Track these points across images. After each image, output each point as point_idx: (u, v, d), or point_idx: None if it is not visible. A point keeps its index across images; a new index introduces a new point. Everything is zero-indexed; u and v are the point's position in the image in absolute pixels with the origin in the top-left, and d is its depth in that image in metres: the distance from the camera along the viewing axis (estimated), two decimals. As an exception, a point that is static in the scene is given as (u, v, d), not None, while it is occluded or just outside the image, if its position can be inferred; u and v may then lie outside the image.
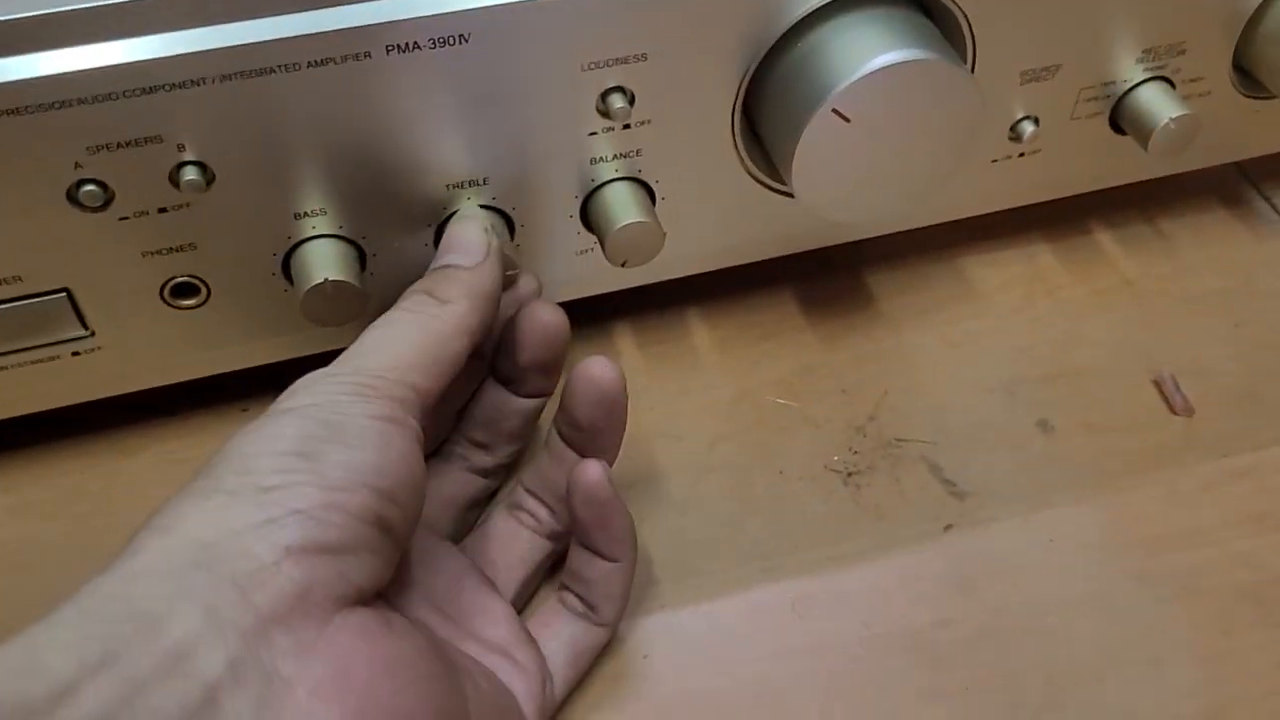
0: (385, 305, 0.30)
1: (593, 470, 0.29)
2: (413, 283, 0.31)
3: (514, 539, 0.33)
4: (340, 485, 0.24)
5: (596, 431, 0.31)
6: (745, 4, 0.31)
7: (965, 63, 0.35)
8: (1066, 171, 0.40)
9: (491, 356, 0.34)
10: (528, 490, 0.33)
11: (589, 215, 0.35)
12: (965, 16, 0.34)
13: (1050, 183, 0.40)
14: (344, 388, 0.26)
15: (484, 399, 0.34)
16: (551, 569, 0.33)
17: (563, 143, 0.33)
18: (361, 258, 0.33)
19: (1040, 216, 0.42)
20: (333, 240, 0.32)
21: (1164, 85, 0.38)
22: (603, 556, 0.30)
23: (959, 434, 0.37)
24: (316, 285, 0.31)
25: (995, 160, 0.38)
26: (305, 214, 0.32)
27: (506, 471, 0.35)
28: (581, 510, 0.30)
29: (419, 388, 0.27)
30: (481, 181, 0.33)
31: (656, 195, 0.35)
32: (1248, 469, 0.37)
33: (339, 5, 0.28)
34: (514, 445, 0.35)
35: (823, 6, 0.32)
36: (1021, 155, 0.39)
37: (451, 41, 0.29)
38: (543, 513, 0.33)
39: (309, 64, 0.29)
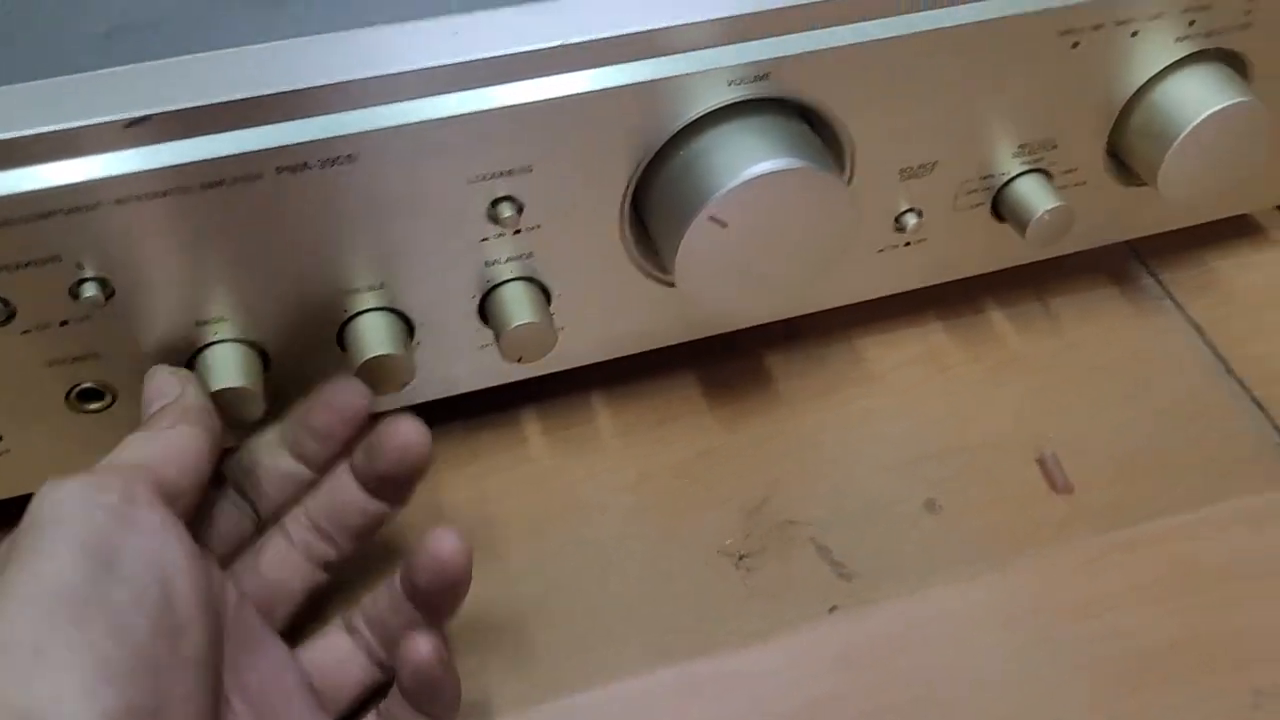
0: (287, 404, 0.31)
1: (422, 647, 0.30)
2: (316, 383, 0.33)
3: (350, 661, 0.33)
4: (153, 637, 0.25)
5: (436, 599, 0.32)
6: (625, 118, 0.33)
7: (845, 165, 0.37)
8: (953, 257, 0.42)
9: (349, 447, 0.34)
10: (366, 619, 0.33)
11: (485, 313, 0.36)
12: (843, 124, 0.36)
13: (938, 268, 0.42)
14: (84, 488, 0.27)
15: (335, 484, 0.34)
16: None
17: (455, 249, 0.34)
18: (265, 361, 0.34)
19: (936, 296, 0.44)
20: (234, 345, 0.34)
21: (1040, 177, 0.40)
22: (427, 715, 0.31)
23: (850, 514, 0.39)
24: (217, 391, 0.32)
25: (881, 250, 0.40)
26: (206, 321, 0.33)
27: (347, 569, 0.35)
28: (409, 682, 0.30)
29: (163, 477, 0.28)
30: (378, 286, 0.34)
31: (552, 293, 0.36)
32: (1128, 542, 0.38)
33: (228, 131, 0.30)
34: (355, 544, 0.34)
35: (705, 115, 0.34)
36: (907, 244, 0.40)
37: (339, 161, 0.31)
38: (377, 647, 0.33)
39: (202, 186, 0.30)
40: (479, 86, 0.31)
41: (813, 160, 0.34)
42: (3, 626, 0.24)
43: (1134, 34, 0.37)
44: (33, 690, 0.23)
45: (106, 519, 0.26)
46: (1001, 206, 0.40)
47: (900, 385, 0.43)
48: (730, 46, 0.33)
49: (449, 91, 0.31)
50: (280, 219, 0.31)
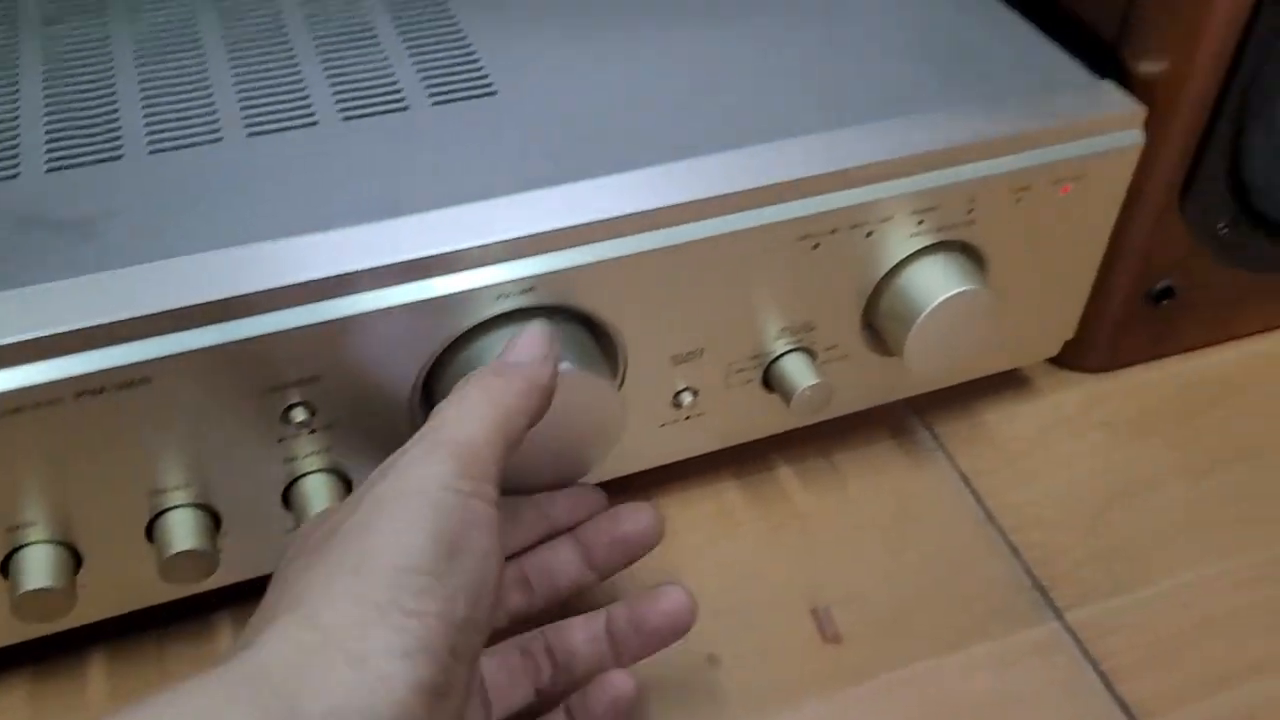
0: (100, 603, 0.34)
1: (627, 685, 0.36)
2: (129, 581, 0.36)
3: (517, 684, 0.37)
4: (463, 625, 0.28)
5: (653, 644, 0.37)
6: (403, 331, 0.37)
7: (618, 356, 0.41)
8: (733, 426, 0.46)
9: (574, 525, 0.39)
10: (547, 646, 0.37)
11: (290, 504, 0.39)
12: (610, 322, 0.40)
13: (721, 436, 0.46)
14: (446, 466, 0.30)
15: (557, 552, 0.39)
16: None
17: (255, 452, 0.37)
18: (76, 561, 0.37)
19: (730, 455, 0.48)
20: (45, 546, 0.36)
21: (803, 355, 0.44)
22: None
23: (635, 670, 0.42)
24: (27, 593, 0.35)
25: (664, 425, 0.44)
26: (16, 526, 0.36)
27: (522, 625, 0.39)
28: (605, 713, 0.35)
29: (498, 463, 0.31)
30: (184, 485, 0.37)
31: (354, 482, 0.40)
32: (886, 688, 0.42)
33: (27, 364, 0.33)
34: (551, 604, 0.39)
35: (490, 319, 0.38)
36: (688, 418, 0.44)
37: (134, 384, 0.34)
38: (547, 670, 0.37)
39: (3, 413, 0.33)
40: (263, 313, 0.35)
41: (578, 361, 0.38)
42: (360, 581, 0.27)
43: (869, 234, 0.42)
44: (368, 639, 0.26)
45: (458, 507, 0.29)
46: (770, 381, 0.44)
47: (690, 545, 0.47)
48: (496, 265, 0.37)
49: (237, 318, 0.34)
50: (81, 437, 0.34)
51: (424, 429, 0.32)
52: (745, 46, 0.46)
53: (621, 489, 0.47)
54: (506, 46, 0.46)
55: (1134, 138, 0.44)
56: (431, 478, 0.30)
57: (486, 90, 0.43)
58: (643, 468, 0.46)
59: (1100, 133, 0.43)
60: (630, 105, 0.43)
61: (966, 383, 0.51)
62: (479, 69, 0.44)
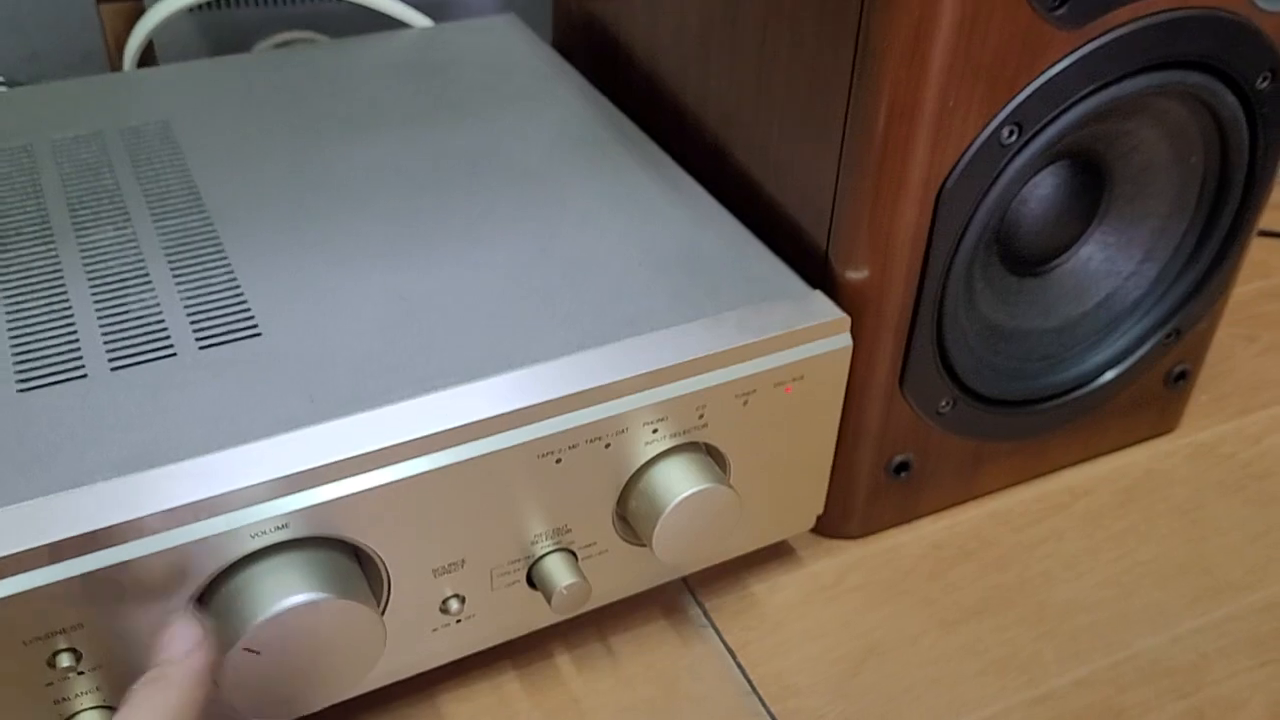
0: None
1: None
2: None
3: None
4: None
5: None
6: (160, 576, 0.39)
7: (382, 574, 0.44)
8: (504, 624, 0.49)
9: None
10: None
11: (64, 741, 0.41)
12: (371, 547, 0.43)
13: (493, 634, 0.49)
14: None
15: None
16: None
17: (26, 697, 0.39)
18: None
19: (509, 646, 0.51)
20: None
21: (563, 555, 0.48)
22: None
23: None
24: None
25: (436, 629, 0.47)
26: None
27: None
28: None
29: None
30: (-47, 735, 0.39)
31: (127, 713, 0.42)
32: None
33: None
34: None
35: (247, 555, 0.41)
36: (459, 621, 0.48)
37: (-106, 650, 0.36)
38: None
39: None
40: (15, 574, 0.37)
41: (336, 586, 0.41)
42: None
43: (607, 446, 0.46)
44: None
45: None
46: (533, 581, 0.48)
47: (473, 737, 0.49)
48: (250, 507, 0.40)
49: (-4, 578, 0.37)
50: None
51: None
52: (498, 271, 0.51)
53: (403, 688, 0.50)
54: (273, 283, 0.50)
55: (843, 341, 0.49)
56: None
57: (252, 331, 0.47)
58: (420, 670, 0.49)
59: (813, 339, 0.49)
60: (388, 337, 0.47)
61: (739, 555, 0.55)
62: (245, 309, 0.48)
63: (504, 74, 0.67)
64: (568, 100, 0.64)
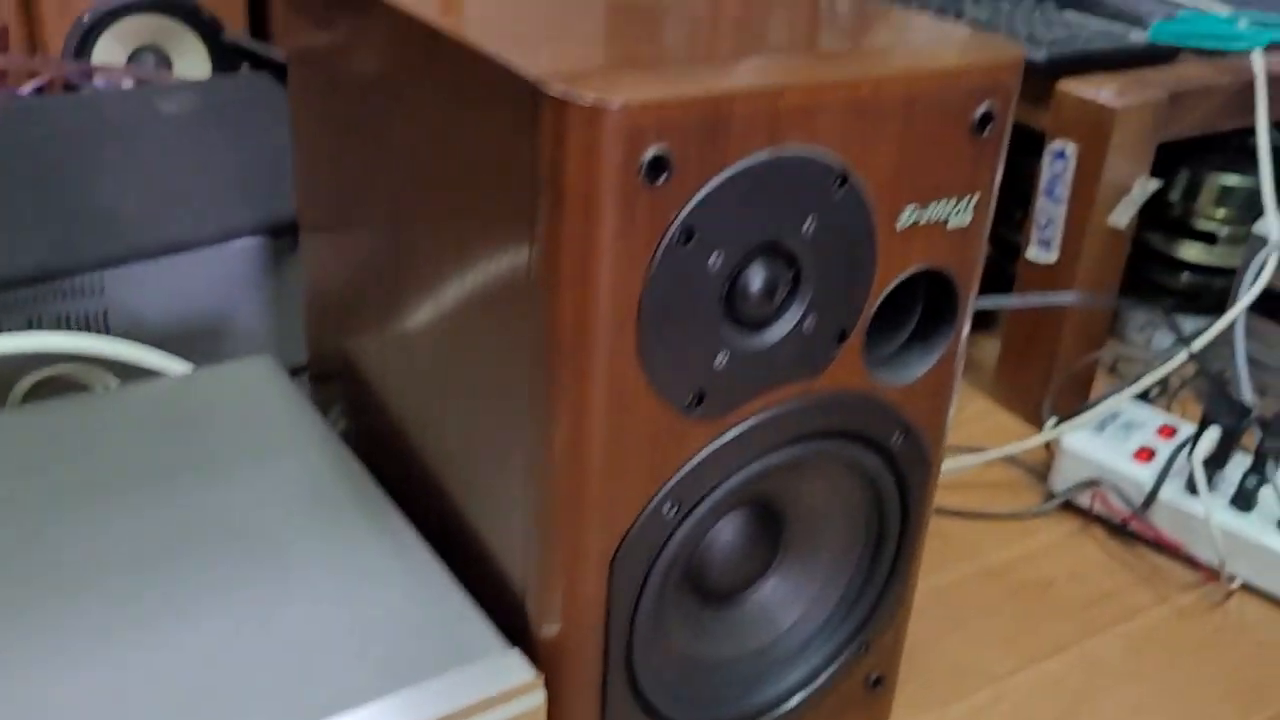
0: None
1: None
2: None
3: None
4: None
5: None
6: None
7: None
8: None
9: None
10: None
11: None
12: None
13: None
14: None
15: None
16: None
17: None
18: None
19: None
20: None
21: None
22: None
23: None
24: None
25: None
26: None
27: None
28: None
29: None
30: None
31: None
32: None
33: None
34: None
35: None
36: None
37: None
38: None
39: None
40: None
41: None
42: None
43: (307, 825, 0.49)
44: None
45: None
46: None
47: None
48: None
49: None
50: None
51: None
52: (196, 654, 0.54)
53: None
54: (-7, 677, 0.52)
55: (536, 699, 0.54)
56: None
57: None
58: None
59: (510, 699, 0.53)
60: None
61: None
62: (-42, 710, 0.50)
63: (250, 426, 0.72)
64: (308, 453, 0.69)
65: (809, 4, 0.61)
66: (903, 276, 0.56)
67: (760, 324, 0.53)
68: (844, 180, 0.51)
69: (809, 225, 0.51)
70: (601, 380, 0.50)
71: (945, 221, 0.56)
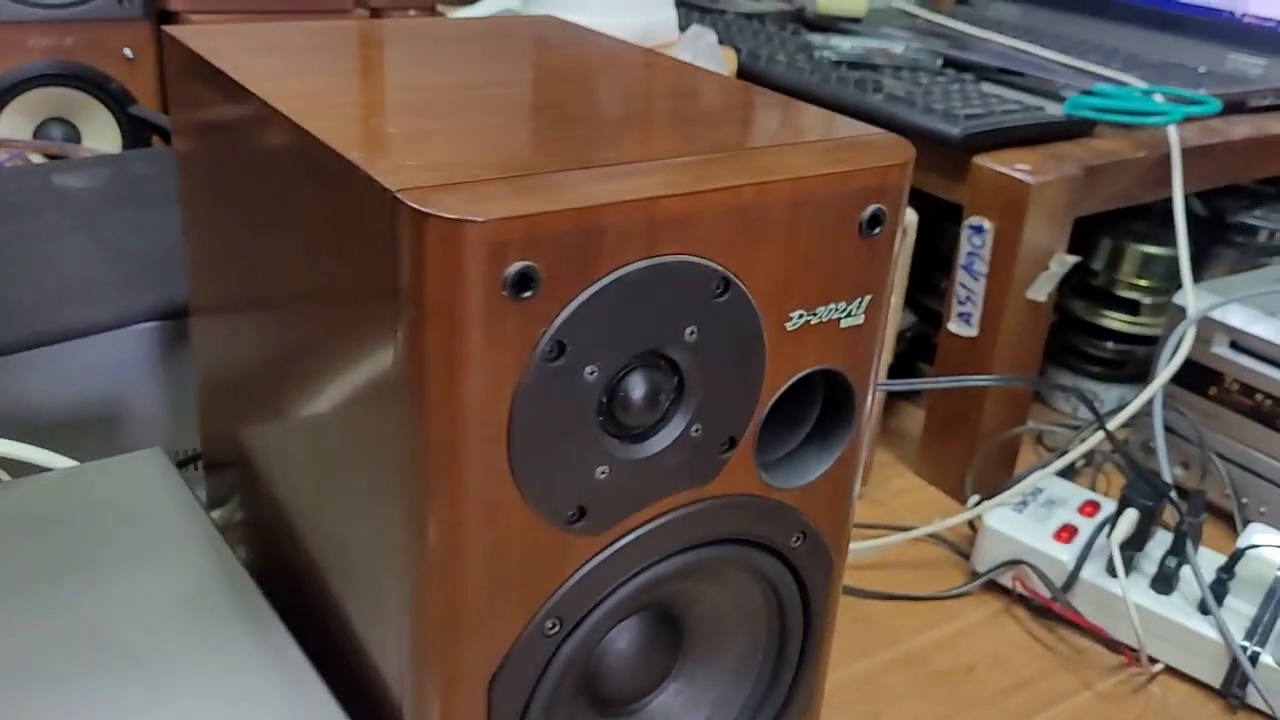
0: None
1: None
2: None
3: None
4: None
5: None
6: None
7: None
8: None
9: None
10: None
11: None
12: None
13: None
14: None
15: None
16: None
17: None
18: None
19: None
20: None
21: None
22: None
23: None
24: None
25: None
26: None
27: None
28: None
29: None
30: None
31: None
32: None
33: None
34: None
35: None
36: None
37: None
38: None
39: None
40: None
41: None
42: None
43: None
44: None
45: None
46: None
47: None
48: None
49: None
50: None
51: None
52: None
53: None
54: None
55: (412, 830, 0.51)
56: None
57: None
58: None
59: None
60: None
61: None
62: None
63: (134, 526, 0.69)
64: (190, 555, 0.66)
65: (690, 94, 0.60)
66: (795, 378, 0.55)
67: (643, 434, 0.51)
68: (726, 286, 0.49)
69: (691, 333, 0.49)
70: (474, 496, 0.48)
71: (838, 321, 0.55)
